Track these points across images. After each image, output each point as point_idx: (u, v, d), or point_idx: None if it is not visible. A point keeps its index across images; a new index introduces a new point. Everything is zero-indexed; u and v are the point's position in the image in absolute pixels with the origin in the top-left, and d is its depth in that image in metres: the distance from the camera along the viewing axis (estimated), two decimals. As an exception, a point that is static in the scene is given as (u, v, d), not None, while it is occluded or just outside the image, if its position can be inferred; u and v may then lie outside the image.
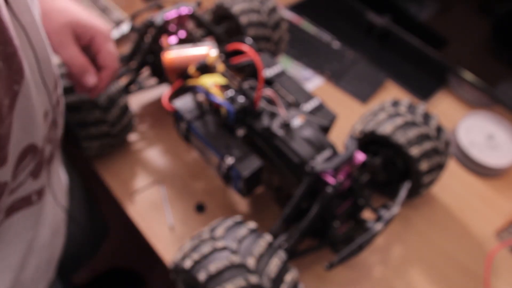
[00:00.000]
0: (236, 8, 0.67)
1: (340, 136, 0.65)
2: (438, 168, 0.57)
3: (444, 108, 0.81)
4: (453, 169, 0.70)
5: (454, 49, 0.79)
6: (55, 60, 0.39)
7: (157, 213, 0.59)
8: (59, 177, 0.48)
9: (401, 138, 0.54)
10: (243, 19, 0.67)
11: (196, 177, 0.63)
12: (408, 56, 0.88)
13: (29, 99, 0.31)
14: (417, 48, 0.82)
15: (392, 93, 0.81)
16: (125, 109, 0.58)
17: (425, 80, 0.85)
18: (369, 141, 0.59)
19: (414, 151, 0.54)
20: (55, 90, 0.39)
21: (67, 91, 0.54)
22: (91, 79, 0.47)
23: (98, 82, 0.48)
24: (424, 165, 0.54)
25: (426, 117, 0.57)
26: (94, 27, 0.47)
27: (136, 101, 0.71)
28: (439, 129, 0.57)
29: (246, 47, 0.48)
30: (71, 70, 0.46)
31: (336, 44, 0.88)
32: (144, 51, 0.61)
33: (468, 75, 0.77)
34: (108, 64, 0.48)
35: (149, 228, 0.58)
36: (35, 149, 0.35)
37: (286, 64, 0.83)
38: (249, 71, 0.60)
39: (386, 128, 0.55)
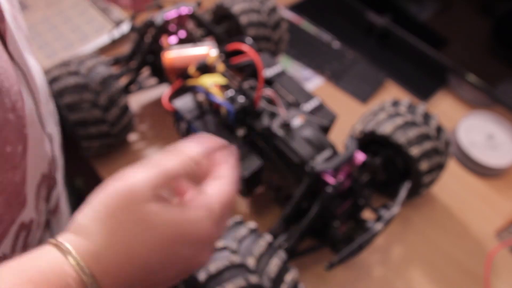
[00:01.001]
0: (236, 8, 0.67)
1: (340, 136, 0.65)
2: (438, 168, 0.57)
3: (444, 108, 0.81)
4: (453, 169, 0.70)
5: (454, 49, 0.79)
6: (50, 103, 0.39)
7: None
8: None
9: (401, 138, 0.54)
10: (243, 19, 0.67)
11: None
12: (408, 56, 0.88)
13: (35, 137, 0.31)
14: (417, 48, 0.82)
15: (392, 93, 0.81)
16: (125, 109, 0.58)
17: (425, 80, 0.85)
18: (369, 141, 0.59)
19: (414, 151, 0.54)
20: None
21: (66, 91, 0.54)
22: None
23: None
24: (424, 165, 0.54)
25: (426, 117, 0.57)
26: None
27: (136, 101, 0.71)
28: (439, 129, 0.57)
29: (246, 47, 0.48)
30: None
31: (336, 44, 0.88)
32: (144, 51, 0.61)
33: (468, 75, 0.77)
34: None
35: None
36: (45, 177, 0.35)
37: (286, 64, 0.83)
38: (249, 71, 0.60)
39: (386, 128, 0.55)
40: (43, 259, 0.23)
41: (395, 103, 0.59)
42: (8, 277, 0.22)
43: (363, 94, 0.80)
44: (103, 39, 0.76)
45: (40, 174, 0.34)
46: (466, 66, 0.77)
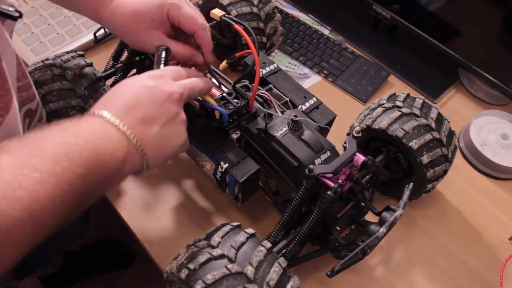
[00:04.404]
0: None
1: (340, 135, 0.66)
2: (443, 160, 0.58)
3: (455, 106, 0.82)
4: (464, 170, 0.72)
5: (466, 44, 0.80)
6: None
7: (149, 214, 0.61)
8: None
9: (397, 130, 0.56)
10: (233, 11, 0.68)
11: (194, 177, 0.65)
12: (416, 51, 0.90)
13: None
14: (427, 43, 0.83)
15: (398, 91, 0.82)
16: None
17: (435, 77, 0.87)
18: (369, 138, 0.61)
19: (413, 142, 0.55)
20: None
21: (52, 97, 0.55)
22: (199, 59, 0.53)
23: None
24: (425, 157, 0.56)
25: (425, 108, 0.59)
26: (159, 3, 0.48)
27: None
28: (439, 120, 0.58)
29: (246, 36, 0.50)
30: (178, 59, 0.52)
31: (338, 40, 0.90)
32: (131, 51, 0.63)
33: (481, 72, 0.78)
34: (196, 28, 0.50)
35: (142, 230, 0.59)
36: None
37: (283, 61, 0.85)
38: (243, 71, 0.61)
39: (382, 122, 0.57)
40: (82, 123, 0.34)
41: (392, 97, 0.61)
42: (54, 134, 0.31)
43: (365, 92, 0.82)
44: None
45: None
46: (478, 62, 0.78)
